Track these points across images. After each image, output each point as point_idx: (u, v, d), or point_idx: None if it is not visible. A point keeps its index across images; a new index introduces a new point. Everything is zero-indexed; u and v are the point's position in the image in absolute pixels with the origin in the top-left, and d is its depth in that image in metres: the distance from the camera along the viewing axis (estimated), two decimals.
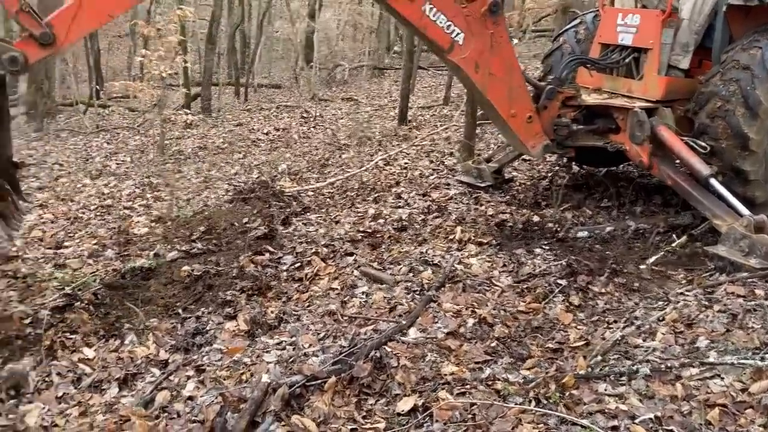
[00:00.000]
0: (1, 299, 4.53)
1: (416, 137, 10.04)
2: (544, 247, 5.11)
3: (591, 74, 6.16)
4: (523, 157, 7.19)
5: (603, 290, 4.33)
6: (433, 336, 3.72)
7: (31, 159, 10.28)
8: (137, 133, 13.20)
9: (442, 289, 4.33)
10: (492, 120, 6.19)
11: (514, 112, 5.40)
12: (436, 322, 3.89)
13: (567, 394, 3.13)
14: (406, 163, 8.40)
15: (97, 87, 15.77)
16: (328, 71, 19.64)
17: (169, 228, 6.21)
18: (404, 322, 3.85)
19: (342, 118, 13.20)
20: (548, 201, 6.27)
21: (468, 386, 3.22)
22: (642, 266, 4.69)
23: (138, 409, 3.21)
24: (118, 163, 10.31)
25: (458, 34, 4.92)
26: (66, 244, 5.99)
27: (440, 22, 4.83)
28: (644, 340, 3.65)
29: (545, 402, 3.07)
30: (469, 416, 2.97)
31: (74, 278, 4.86)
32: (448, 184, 7.06)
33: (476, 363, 3.45)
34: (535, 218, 5.74)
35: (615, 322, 3.92)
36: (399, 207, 6.39)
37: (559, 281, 4.41)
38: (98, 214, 7.13)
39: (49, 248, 5.83)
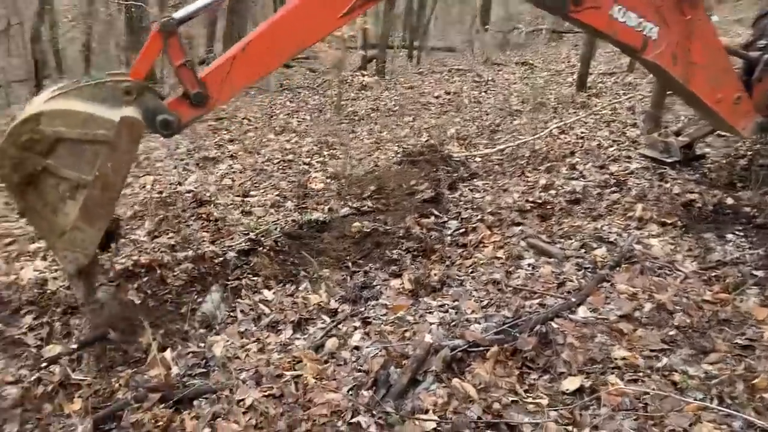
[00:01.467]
0: (196, 239, 5.05)
1: (596, 105, 9.46)
2: (737, 232, 4.62)
3: None
4: (718, 131, 6.48)
5: None
6: (605, 317, 3.54)
7: (223, 113, 11.25)
8: (316, 93, 13.89)
9: (617, 269, 4.09)
10: (693, 107, 5.57)
11: (721, 96, 4.81)
12: (609, 303, 3.69)
13: (757, 396, 2.83)
14: (582, 133, 7.96)
15: None
16: (503, 34, 19.10)
17: (343, 185, 6.49)
18: (573, 300, 3.70)
19: (515, 83, 12.81)
20: (746, 182, 5.60)
21: (641, 374, 3.03)
22: None
23: (309, 352, 3.42)
24: (299, 121, 10.94)
25: (651, 29, 4.40)
26: (252, 193, 6.52)
27: (630, 22, 4.34)
28: None
29: (730, 402, 2.80)
30: (640, 405, 2.80)
31: (258, 225, 5.28)
32: (630, 158, 6.59)
33: (651, 351, 3.22)
34: (729, 200, 5.17)
35: None
36: (573, 178, 6.09)
37: (754, 272, 3.97)
38: (280, 167, 7.64)
39: (237, 196, 6.38)
